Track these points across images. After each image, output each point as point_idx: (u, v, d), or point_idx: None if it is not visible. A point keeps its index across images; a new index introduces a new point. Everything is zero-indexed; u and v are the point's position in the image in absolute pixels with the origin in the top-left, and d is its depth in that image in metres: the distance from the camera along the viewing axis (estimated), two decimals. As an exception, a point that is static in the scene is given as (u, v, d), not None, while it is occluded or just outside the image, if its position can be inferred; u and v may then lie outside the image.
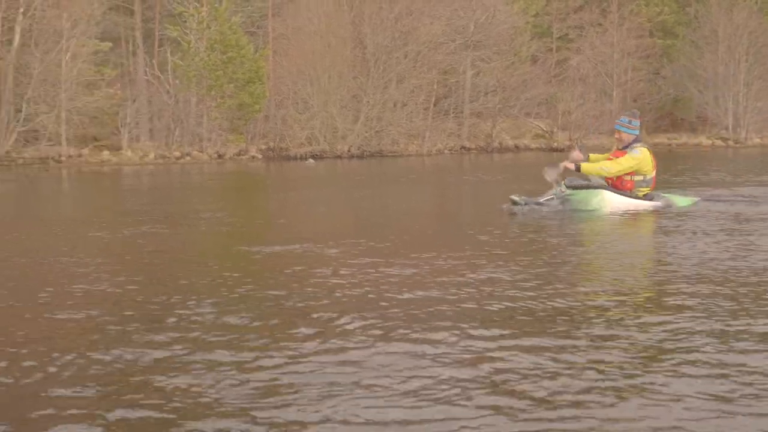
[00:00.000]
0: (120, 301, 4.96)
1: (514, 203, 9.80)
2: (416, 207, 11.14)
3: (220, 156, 37.64)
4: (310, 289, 5.33)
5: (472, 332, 4.09)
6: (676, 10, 50.47)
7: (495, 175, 20.27)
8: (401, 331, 4.14)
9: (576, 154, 10.31)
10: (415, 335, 4.05)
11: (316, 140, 39.19)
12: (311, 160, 35.37)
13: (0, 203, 15.84)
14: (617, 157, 10.17)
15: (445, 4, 44.26)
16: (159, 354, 3.73)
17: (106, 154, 35.65)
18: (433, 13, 43.46)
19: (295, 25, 41.65)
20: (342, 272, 5.92)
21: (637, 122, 10.34)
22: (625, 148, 10.24)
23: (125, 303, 4.91)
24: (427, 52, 42.91)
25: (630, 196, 10.08)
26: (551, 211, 9.66)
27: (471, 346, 3.84)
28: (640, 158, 10.12)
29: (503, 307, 4.72)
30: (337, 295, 5.09)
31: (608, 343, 3.87)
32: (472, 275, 5.69)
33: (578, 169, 10.02)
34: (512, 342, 3.93)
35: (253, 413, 3.00)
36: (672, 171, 18.43)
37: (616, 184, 10.14)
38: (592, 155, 10.62)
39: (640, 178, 10.19)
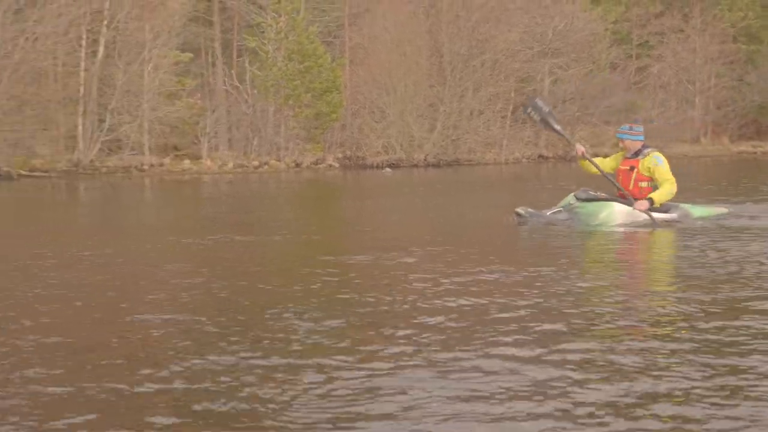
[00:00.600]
0: (205, 308, 4.96)
1: (519, 216, 9.41)
2: (493, 216, 10.94)
3: (297, 165, 37.93)
4: (390, 297, 5.26)
5: (560, 342, 3.98)
6: (761, 15, 49.23)
7: (573, 184, 19.94)
8: (490, 338, 4.05)
9: (641, 203, 9.42)
10: (505, 341, 3.95)
11: (392, 149, 39.23)
12: (388, 169, 35.41)
13: (85, 211, 16.16)
14: (633, 167, 9.61)
15: (522, 11, 43.93)
16: (245, 361, 3.70)
17: (186, 163, 36.21)
18: (510, 21, 43.17)
19: (371, 34, 41.79)
20: (421, 281, 5.84)
21: (640, 128, 9.90)
22: (635, 155, 9.70)
23: (211, 309, 4.91)
24: (505, 60, 42.64)
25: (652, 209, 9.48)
26: (559, 224, 9.18)
27: (561, 351, 3.73)
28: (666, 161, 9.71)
29: (590, 315, 4.59)
30: (420, 303, 5.02)
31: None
32: (555, 287, 5.56)
33: (652, 203, 9.33)
34: (588, 352, 3.80)
35: (342, 423, 2.95)
36: (756, 180, 17.89)
37: (634, 193, 9.57)
38: (597, 159, 10.15)
39: (655, 186, 9.63)
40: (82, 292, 5.61)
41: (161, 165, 35.56)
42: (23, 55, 30.92)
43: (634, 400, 3.16)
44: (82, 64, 34.89)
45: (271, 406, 3.11)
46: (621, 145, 9.94)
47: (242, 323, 4.53)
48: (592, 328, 4.36)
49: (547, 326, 4.33)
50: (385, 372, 3.52)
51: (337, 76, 39.79)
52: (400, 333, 4.23)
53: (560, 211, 9.41)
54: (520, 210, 9.42)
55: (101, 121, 34.97)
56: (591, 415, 3.00)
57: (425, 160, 39.57)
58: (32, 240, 9.61)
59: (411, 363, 3.65)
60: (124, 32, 35.80)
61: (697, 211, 9.88)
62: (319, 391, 3.26)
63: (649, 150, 9.68)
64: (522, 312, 4.70)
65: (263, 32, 40.10)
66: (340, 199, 18.47)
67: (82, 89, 34.88)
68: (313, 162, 38.58)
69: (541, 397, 3.18)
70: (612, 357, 3.74)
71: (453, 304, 4.93)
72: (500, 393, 3.23)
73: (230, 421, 2.98)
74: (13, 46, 30.71)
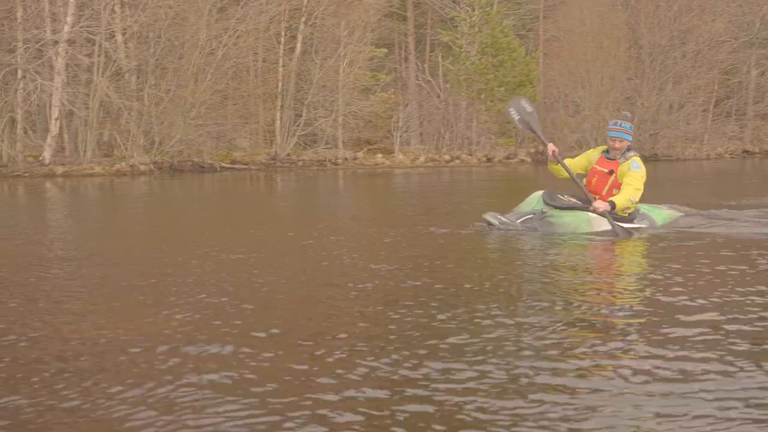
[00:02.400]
0: (405, 299, 4.76)
1: (489, 224, 8.12)
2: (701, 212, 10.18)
3: (488, 159, 37.64)
4: (598, 292, 4.90)
5: None
6: None
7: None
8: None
9: (600, 203, 8.17)
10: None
11: (586, 143, 38.17)
12: (583, 164, 34.51)
13: (282, 201, 16.50)
14: (612, 170, 8.32)
15: (728, 0, 41.76)
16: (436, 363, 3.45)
17: (379, 157, 36.63)
18: (714, 10, 41.16)
19: (566, 26, 40.89)
20: (622, 279, 5.42)
21: (629, 125, 8.49)
22: (619, 158, 8.39)
23: (409, 301, 4.71)
24: (707, 50, 40.74)
25: (616, 219, 8.15)
26: (529, 233, 7.95)
27: None
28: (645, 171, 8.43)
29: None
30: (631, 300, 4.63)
31: None
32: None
33: (614, 207, 8.10)
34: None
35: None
36: None
37: (604, 200, 8.30)
38: (566, 160, 8.66)
39: None
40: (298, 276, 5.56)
41: (355, 159, 36.13)
42: (226, 52, 32.14)
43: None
44: (281, 60, 35.97)
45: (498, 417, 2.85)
46: (617, 145, 8.37)
47: (439, 320, 4.29)
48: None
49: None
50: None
51: (531, 69, 39.20)
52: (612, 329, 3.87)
53: (530, 218, 8.11)
54: (489, 217, 8.15)
55: (298, 115, 35.92)
56: None
57: (621, 155, 38.35)
58: (246, 228, 9.79)
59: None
60: (321, 28, 36.62)
61: (659, 216, 8.70)
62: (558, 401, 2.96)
63: (632, 153, 8.43)
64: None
65: (457, 26, 40.05)
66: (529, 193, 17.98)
67: (280, 84, 35.98)
68: (504, 157, 38.18)
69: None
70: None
71: (662, 307, 4.51)
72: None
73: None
74: (218, 44, 31.99)
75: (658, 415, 2.78)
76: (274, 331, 3.93)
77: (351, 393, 2.99)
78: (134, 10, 30.21)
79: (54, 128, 28.30)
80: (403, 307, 4.47)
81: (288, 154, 34.91)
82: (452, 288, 5.18)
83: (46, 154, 28.08)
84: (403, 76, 43.52)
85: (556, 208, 8.05)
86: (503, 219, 8.08)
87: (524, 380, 3.14)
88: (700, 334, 3.81)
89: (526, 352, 3.52)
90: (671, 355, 3.45)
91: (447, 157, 37.19)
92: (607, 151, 8.51)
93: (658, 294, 4.80)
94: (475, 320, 4.13)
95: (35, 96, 27.67)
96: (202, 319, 4.19)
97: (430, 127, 39.23)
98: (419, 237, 8.04)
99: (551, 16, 43.40)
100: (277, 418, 2.75)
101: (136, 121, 29.51)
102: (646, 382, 3.10)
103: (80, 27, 28.19)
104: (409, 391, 3.00)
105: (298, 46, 36.32)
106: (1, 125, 27.81)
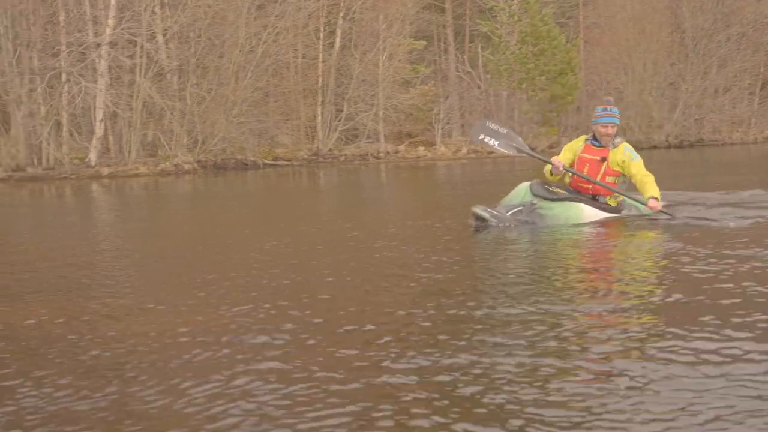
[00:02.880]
0: (452, 294, 4.71)
1: (480, 219, 7.61)
2: (751, 200, 9.91)
3: (531, 149, 37.36)
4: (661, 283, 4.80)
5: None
6: None
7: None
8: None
9: (653, 202, 7.75)
10: None
11: (630, 130, 37.79)
12: (627, 151, 34.11)
13: (326, 195, 16.51)
14: (604, 158, 7.88)
15: (773, -20, 41.07)
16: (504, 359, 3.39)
17: (421, 149, 36.57)
18: (759, -9, 40.50)
19: (607, 12, 40.53)
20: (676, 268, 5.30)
21: (617, 110, 8.10)
22: (609, 144, 7.96)
23: (458, 295, 4.65)
24: (753, 33, 40.06)
25: (605, 208, 7.95)
26: (519, 226, 7.51)
27: None
28: None
29: None
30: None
31: None
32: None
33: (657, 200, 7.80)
34: None
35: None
36: None
37: (598, 189, 8.01)
38: (553, 159, 8.06)
39: (622, 180, 8.10)
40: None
41: (396, 152, 36.11)
42: (266, 49, 32.25)
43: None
44: (320, 55, 36.03)
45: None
46: (610, 131, 7.93)
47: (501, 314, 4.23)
48: None
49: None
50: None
51: (572, 57, 38.91)
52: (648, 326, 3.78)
53: (520, 210, 7.65)
54: (479, 211, 7.62)
55: (339, 110, 35.96)
56: None
57: (666, 141, 37.87)
58: (293, 223, 9.80)
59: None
60: (360, 22, 36.61)
61: (642, 205, 8.08)
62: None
63: (620, 140, 8.01)
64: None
65: (496, 16, 39.86)
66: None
67: (320, 80, 36.04)
68: (547, 146, 37.87)
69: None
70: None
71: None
72: None
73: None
74: (257, 41, 32.10)
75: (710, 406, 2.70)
76: (328, 322, 3.90)
77: (403, 381, 2.95)
78: (174, 11, 30.43)
79: (99, 130, 28.61)
80: (453, 298, 4.42)
81: (330, 150, 34.98)
82: (504, 279, 5.12)
83: (92, 156, 28.41)
84: (443, 68, 43.41)
85: (545, 199, 7.66)
86: (494, 212, 7.58)
87: (577, 371, 3.07)
88: (744, 315, 3.70)
89: (577, 345, 3.45)
90: (727, 338, 3.36)
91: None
92: (594, 139, 8.06)
93: (689, 282, 4.69)
94: (534, 311, 4.07)
95: (80, 99, 27.99)
96: (257, 311, 4.17)
97: (471, 118, 39.05)
98: (467, 228, 7.97)
99: (591, 2, 43.02)
100: (341, 402, 2.72)
101: (179, 120, 29.72)
102: (701, 366, 3.02)
103: (121, 29, 28.45)
104: (462, 383, 2.95)
105: (337, 41, 36.35)
106: (47, 128, 28.17)
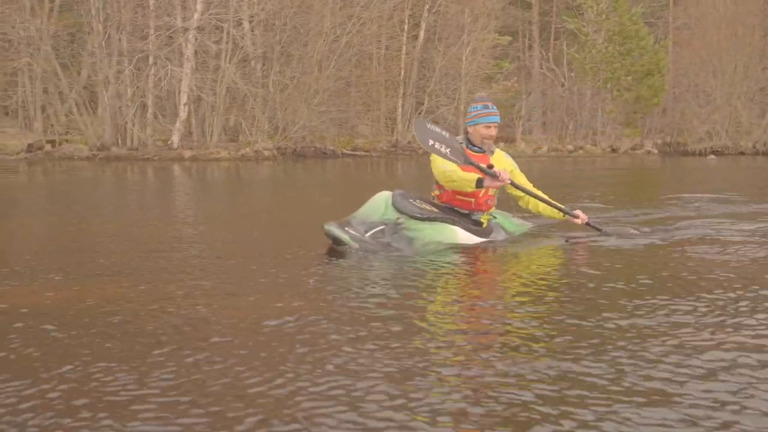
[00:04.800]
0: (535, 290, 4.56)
1: (337, 242, 5.82)
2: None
3: (613, 150, 36.80)
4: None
5: None
6: None
7: None
8: None
9: (579, 214, 6.60)
10: None
11: (717, 135, 36.93)
12: (713, 156, 33.26)
13: (406, 185, 16.44)
14: (488, 165, 6.20)
15: None
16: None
17: (500, 145, 36.22)
18: None
19: (698, 13, 39.58)
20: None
21: (495, 107, 6.53)
22: (487, 150, 6.46)
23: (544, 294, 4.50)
24: None
25: (479, 231, 6.35)
26: (381, 249, 5.78)
27: None
28: None
29: None
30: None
31: None
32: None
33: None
34: None
35: None
36: None
37: (481, 205, 6.45)
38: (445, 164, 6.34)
39: (498, 194, 6.63)
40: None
41: (476, 148, 35.89)
42: (350, 39, 32.34)
43: None
44: (404, 47, 35.98)
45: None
46: (489, 133, 6.36)
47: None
48: None
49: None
50: None
51: (660, 58, 38.16)
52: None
53: (382, 230, 5.95)
54: (334, 230, 5.80)
55: (419, 103, 35.89)
56: None
57: (754, 147, 36.85)
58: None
59: None
60: (445, 16, 36.45)
61: (509, 226, 6.86)
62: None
63: (494, 145, 6.55)
64: None
65: (583, 14, 39.29)
66: (655, 186, 17.34)
67: (402, 72, 36.00)
68: (630, 147, 37.26)
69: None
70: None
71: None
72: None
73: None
74: (342, 31, 32.21)
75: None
76: (416, 309, 3.81)
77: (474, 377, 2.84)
78: (261, -2, 30.72)
79: (182, 113, 29.06)
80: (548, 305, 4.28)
81: (409, 142, 34.93)
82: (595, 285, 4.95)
83: (175, 139, 28.86)
84: (527, 65, 43.02)
85: (411, 217, 6.06)
86: (353, 233, 5.84)
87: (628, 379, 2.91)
88: None
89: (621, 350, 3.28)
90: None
91: (570, 146, 36.54)
92: (469, 143, 6.44)
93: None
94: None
95: (165, 82, 28.47)
96: (340, 299, 4.10)
97: (553, 117, 38.63)
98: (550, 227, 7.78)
99: (682, 2, 42.11)
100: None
101: (261, 107, 29.99)
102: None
103: (209, 14, 28.83)
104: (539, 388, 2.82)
105: (422, 33, 36.27)
106: (132, 110, 28.69)
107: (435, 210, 6.28)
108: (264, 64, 31.29)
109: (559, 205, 6.59)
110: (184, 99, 28.91)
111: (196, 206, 11.31)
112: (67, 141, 29.49)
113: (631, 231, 6.67)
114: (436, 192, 6.55)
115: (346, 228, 5.88)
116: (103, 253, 6.00)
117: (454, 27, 36.25)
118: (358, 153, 32.32)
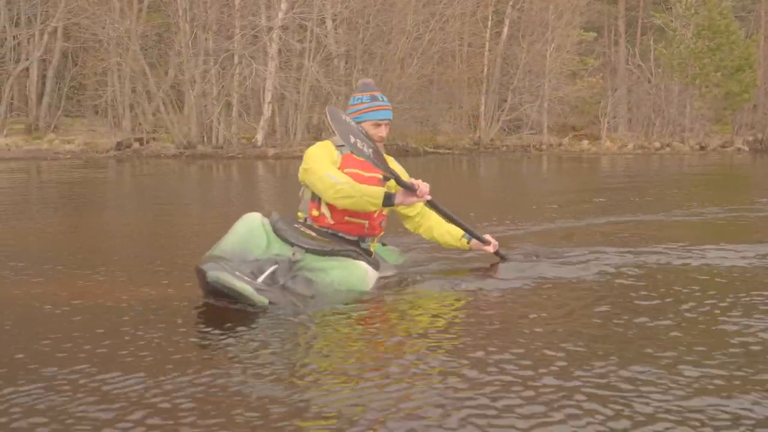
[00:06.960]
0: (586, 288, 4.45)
1: (224, 289, 3.71)
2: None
3: (702, 147, 35.95)
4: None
5: None
6: None
7: None
8: None
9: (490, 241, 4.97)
10: None
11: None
12: (807, 154, 32.28)
13: (489, 183, 16.34)
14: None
15: None
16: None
17: (585, 143, 35.77)
18: None
19: (792, 6, 38.39)
20: None
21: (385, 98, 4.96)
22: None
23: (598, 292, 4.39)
24: None
25: (373, 263, 4.54)
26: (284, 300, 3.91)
27: None
28: None
29: None
30: None
31: None
32: None
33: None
34: None
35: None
36: None
37: (374, 226, 4.65)
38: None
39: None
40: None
41: (559, 145, 35.46)
42: (432, 37, 32.28)
43: None
44: (487, 44, 35.76)
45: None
46: (379, 133, 4.71)
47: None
48: None
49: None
50: None
51: (751, 53, 37.11)
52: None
53: (275, 269, 4.14)
54: (222, 278, 3.69)
55: (503, 100, 35.62)
56: None
57: None
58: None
59: None
60: (529, 12, 36.11)
61: (390, 257, 5.10)
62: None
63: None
64: None
65: (671, 8, 38.51)
66: (742, 186, 16.81)
67: (485, 69, 35.78)
68: (719, 145, 36.34)
69: None
70: None
71: None
72: None
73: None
74: (424, 29, 32.16)
75: None
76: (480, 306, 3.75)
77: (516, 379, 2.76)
78: (345, -3, 30.88)
79: (266, 111, 29.37)
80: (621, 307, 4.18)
81: (491, 140, 34.69)
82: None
83: (259, 137, 29.21)
84: (613, 61, 42.26)
85: (308, 251, 4.29)
86: (241, 276, 3.86)
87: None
88: None
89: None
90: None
91: (657, 144, 35.82)
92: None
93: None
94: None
95: (250, 80, 28.83)
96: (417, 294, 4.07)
97: (639, 113, 37.91)
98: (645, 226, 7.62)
99: (775, -4, 40.90)
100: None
101: (344, 105, 30.15)
102: None
103: (293, 13, 29.07)
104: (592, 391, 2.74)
105: (505, 30, 35.99)
106: (218, 108, 29.14)
107: (333, 242, 4.48)
108: (347, 63, 31.45)
109: (470, 227, 4.92)
110: (268, 97, 29.22)
111: (282, 202, 11.42)
112: (154, 139, 30.10)
113: (534, 257, 5.28)
114: (315, 212, 4.59)
115: (237, 273, 3.90)
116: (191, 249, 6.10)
117: (538, 23, 35.88)
118: (440, 151, 32.24)
